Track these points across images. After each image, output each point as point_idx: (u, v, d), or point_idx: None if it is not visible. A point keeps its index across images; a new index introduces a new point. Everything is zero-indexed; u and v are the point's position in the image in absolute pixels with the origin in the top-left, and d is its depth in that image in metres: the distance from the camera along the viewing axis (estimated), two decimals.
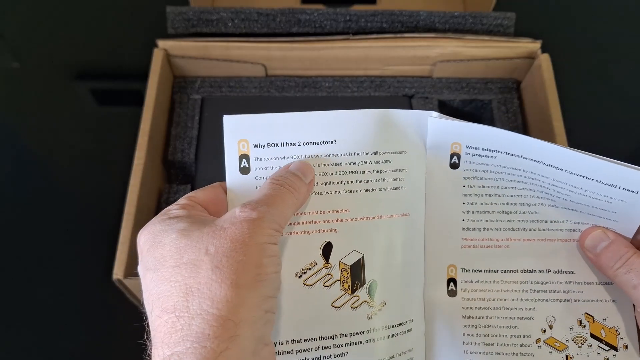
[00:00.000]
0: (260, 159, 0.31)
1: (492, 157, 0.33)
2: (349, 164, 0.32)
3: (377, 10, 0.56)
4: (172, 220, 0.28)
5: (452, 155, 0.34)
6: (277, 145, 0.31)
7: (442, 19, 0.57)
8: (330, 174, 0.32)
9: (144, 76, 0.53)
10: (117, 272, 0.43)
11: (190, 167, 0.54)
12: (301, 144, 0.32)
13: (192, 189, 0.52)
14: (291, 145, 0.31)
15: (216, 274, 0.25)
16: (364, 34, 0.56)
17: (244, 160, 0.31)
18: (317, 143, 0.32)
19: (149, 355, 0.25)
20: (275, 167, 0.31)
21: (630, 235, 0.32)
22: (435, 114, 0.33)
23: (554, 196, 0.33)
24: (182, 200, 0.30)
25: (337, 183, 0.32)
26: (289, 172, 0.30)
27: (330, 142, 0.32)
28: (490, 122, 0.58)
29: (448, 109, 0.60)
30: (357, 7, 0.65)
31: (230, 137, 0.31)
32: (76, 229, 0.57)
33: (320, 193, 0.32)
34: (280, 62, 0.57)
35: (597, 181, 0.31)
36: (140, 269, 0.28)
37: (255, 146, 0.31)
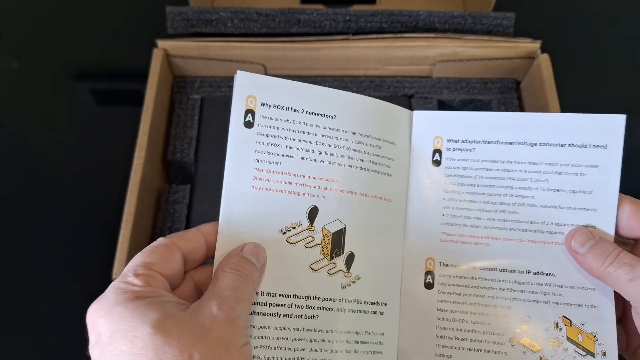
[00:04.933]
0: (265, 117, 0.33)
1: (470, 149, 0.35)
2: (343, 139, 0.35)
3: (377, 10, 0.56)
4: (140, 304, 0.25)
5: (434, 152, 0.36)
6: (282, 108, 0.34)
7: (441, 19, 0.57)
8: (326, 145, 0.34)
9: (143, 76, 0.53)
10: (117, 272, 0.43)
11: (189, 167, 0.54)
12: (304, 112, 0.34)
13: (192, 189, 0.53)
14: (295, 111, 0.34)
15: None
16: (364, 34, 0.56)
17: (249, 114, 0.33)
18: (319, 115, 0.35)
19: None
20: (278, 128, 0.33)
21: (612, 226, 0.33)
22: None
23: (532, 188, 0.34)
24: (140, 270, 0.27)
25: (331, 154, 0.34)
26: (243, 258, 0.30)
27: (331, 116, 0.35)
28: None
29: (447, 109, 0.60)
30: (357, 7, 0.64)
31: (240, 91, 0.33)
32: (76, 229, 0.57)
33: (315, 160, 0.34)
34: (280, 62, 0.57)
35: (569, 145, 0.33)
36: (95, 355, 0.25)
37: (262, 104, 0.33)
